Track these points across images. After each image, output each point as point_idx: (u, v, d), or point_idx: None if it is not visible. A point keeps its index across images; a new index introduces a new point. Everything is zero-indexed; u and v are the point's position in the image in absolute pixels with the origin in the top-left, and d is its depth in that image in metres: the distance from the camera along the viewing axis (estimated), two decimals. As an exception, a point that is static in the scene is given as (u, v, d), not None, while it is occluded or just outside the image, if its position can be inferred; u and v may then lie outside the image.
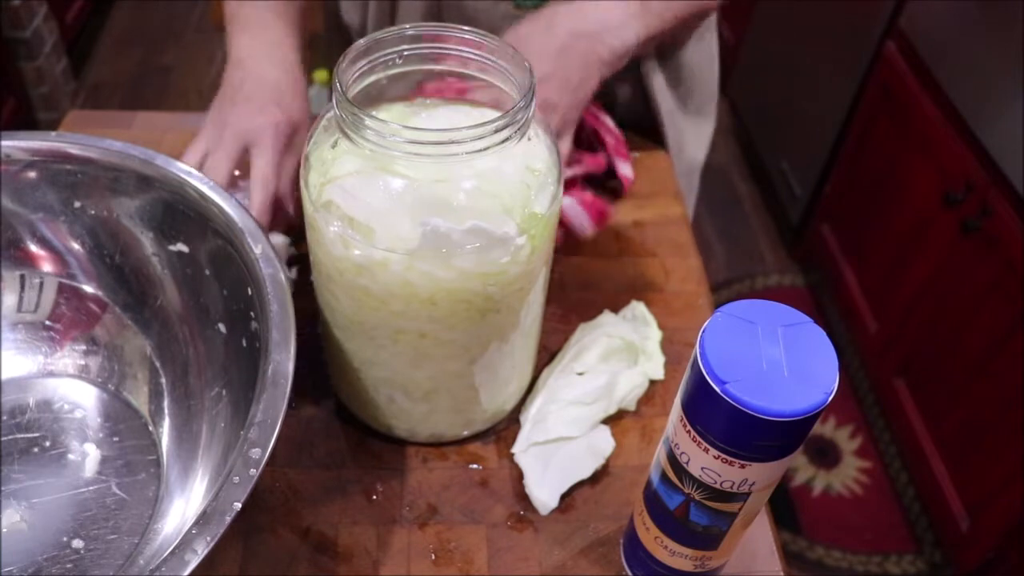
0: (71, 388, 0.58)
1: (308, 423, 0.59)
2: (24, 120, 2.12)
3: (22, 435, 0.56)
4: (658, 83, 0.84)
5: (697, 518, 0.43)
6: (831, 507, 1.58)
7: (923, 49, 1.47)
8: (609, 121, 0.77)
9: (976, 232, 1.33)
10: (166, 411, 0.56)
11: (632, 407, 0.60)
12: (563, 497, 0.55)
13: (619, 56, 0.70)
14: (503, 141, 0.44)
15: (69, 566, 0.50)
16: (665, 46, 0.82)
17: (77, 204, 0.56)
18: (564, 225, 0.70)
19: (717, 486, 0.41)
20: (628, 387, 0.59)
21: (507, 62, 0.47)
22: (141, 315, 0.58)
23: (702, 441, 0.39)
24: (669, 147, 0.86)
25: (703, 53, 0.86)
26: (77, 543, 0.51)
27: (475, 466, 0.57)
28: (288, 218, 0.67)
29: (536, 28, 0.68)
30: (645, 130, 0.86)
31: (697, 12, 0.77)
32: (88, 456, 0.55)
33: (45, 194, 0.56)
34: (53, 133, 0.56)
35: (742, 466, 0.39)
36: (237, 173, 0.64)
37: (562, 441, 0.56)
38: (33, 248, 0.58)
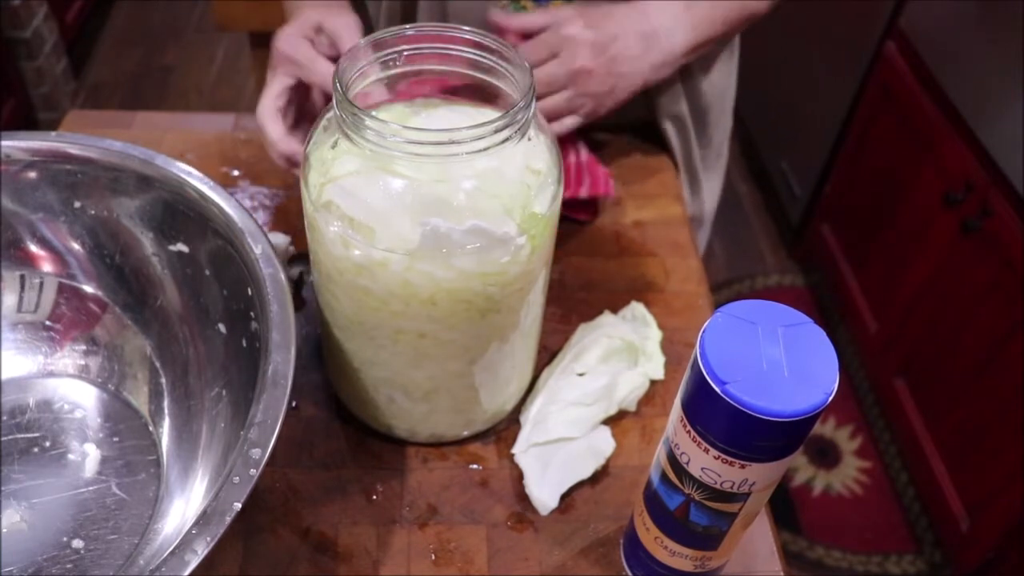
0: (71, 388, 0.58)
1: (308, 423, 0.59)
2: (24, 120, 2.12)
3: (22, 435, 0.56)
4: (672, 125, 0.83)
5: (697, 518, 0.43)
6: (831, 507, 1.57)
7: (923, 49, 1.47)
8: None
9: (976, 232, 1.33)
10: (166, 411, 0.56)
11: (632, 407, 0.60)
12: (563, 497, 0.55)
13: (668, 63, 0.70)
14: (503, 141, 0.44)
15: (69, 566, 0.50)
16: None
17: (77, 204, 0.56)
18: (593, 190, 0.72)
19: (717, 486, 0.41)
20: (628, 388, 0.59)
21: (507, 62, 0.47)
22: (141, 315, 0.58)
23: (702, 441, 0.39)
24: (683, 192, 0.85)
25: (723, 77, 0.85)
26: (77, 543, 0.51)
27: (475, 466, 0.57)
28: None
29: (600, 10, 0.67)
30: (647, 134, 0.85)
31: (746, 15, 0.74)
32: (88, 456, 0.55)
33: (45, 194, 0.56)
34: (53, 133, 0.56)
35: (742, 466, 0.39)
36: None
37: (562, 442, 0.56)
38: (33, 248, 0.58)
